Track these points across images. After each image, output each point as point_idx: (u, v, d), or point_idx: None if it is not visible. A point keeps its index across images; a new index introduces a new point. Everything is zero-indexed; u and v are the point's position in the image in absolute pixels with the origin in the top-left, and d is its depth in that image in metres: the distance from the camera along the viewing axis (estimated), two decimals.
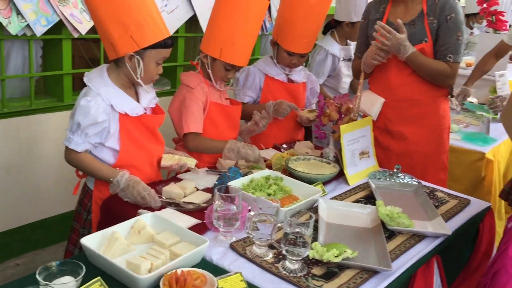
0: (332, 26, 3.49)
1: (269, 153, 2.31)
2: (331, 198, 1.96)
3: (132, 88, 1.92)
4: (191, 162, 1.97)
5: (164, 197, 1.81)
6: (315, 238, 1.56)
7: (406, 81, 2.37)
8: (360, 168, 2.22)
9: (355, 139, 2.20)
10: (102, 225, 1.79)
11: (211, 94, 2.22)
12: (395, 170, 2.20)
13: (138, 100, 1.91)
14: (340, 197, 1.99)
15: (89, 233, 1.83)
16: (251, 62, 2.64)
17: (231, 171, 1.94)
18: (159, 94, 2.93)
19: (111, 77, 1.84)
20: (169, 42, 1.84)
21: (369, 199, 1.98)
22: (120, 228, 1.50)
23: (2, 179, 2.66)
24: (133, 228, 1.52)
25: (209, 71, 2.20)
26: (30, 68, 2.62)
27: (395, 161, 2.37)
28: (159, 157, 1.98)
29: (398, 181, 2.15)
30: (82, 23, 2.64)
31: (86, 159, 1.82)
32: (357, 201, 1.96)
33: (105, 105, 1.78)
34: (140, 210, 1.65)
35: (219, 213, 1.53)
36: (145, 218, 1.56)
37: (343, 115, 2.24)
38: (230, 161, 2.13)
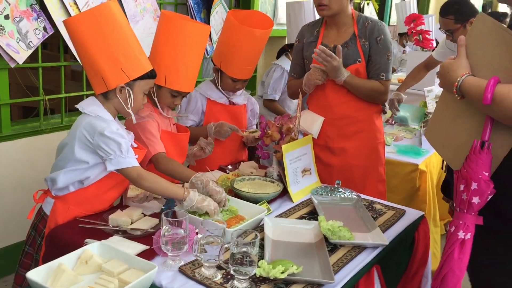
0: (285, 49, 3.85)
1: (215, 175, 2.36)
2: (276, 216, 2.02)
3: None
4: None
5: (110, 225, 1.81)
6: (261, 256, 1.62)
7: (343, 100, 2.50)
8: (303, 185, 2.31)
9: (297, 157, 2.29)
10: (48, 257, 1.76)
11: (161, 122, 2.24)
12: (336, 185, 2.31)
13: None
14: (285, 214, 2.07)
15: None
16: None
17: None
18: None
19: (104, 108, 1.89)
20: (154, 73, 1.96)
21: (313, 215, 2.06)
22: (67, 260, 1.50)
23: None
24: (80, 258, 1.52)
25: (155, 99, 2.23)
26: None
27: (336, 176, 2.48)
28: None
29: (339, 195, 2.26)
30: (19, 53, 2.60)
31: (153, 176, 1.86)
32: (301, 217, 2.04)
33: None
34: (86, 240, 1.65)
35: (167, 237, 1.56)
36: (91, 247, 1.56)
37: (284, 135, 2.33)
38: None
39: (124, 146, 1.80)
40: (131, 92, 1.88)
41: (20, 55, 2.61)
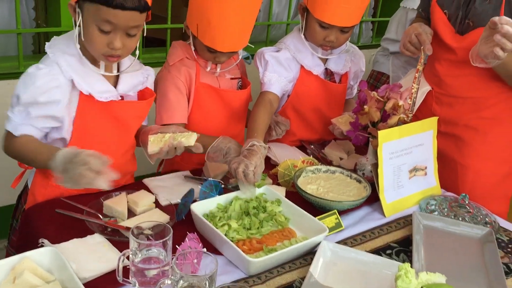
0: None
1: (285, 154, 1.70)
2: (347, 239, 1.33)
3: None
4: (187, 139, 1.37)
5: (101, 215, 1.30)
6: None
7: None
8: (408, 192, 1.55)
9: (404, 150, 1.53)
10: (17, 245, 1.34)
11: (203, 73, 1.62)
12: (461, 201, 1.51)
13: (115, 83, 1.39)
14: (363, 237, 1.36)
15: None
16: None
17: (205, 184, 1.37)
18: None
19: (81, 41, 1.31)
20: (120, 1, 1.18)
21: (408, 245, 1.33)
22: None
23: None
24: (13, 270, 1.04)
25: (192, 48, 1.60)
26: (17, 22, 2.13)
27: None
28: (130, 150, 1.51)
29: (460, 218, 1.46)
30: None
31: (22, 142, 1.28)
32: (387, 247, 1.32)
33: (62, 80, 1.28)
34: (41, 240, 1.15)
35: (135, 266, 1.00)
36: (36, 255, 1.06)
37: (389, 115, 1.56)
38: (220, 164, 1.55)
39: (20, 100, 1.25)
40: (80, 16, 1.24)
41: None
